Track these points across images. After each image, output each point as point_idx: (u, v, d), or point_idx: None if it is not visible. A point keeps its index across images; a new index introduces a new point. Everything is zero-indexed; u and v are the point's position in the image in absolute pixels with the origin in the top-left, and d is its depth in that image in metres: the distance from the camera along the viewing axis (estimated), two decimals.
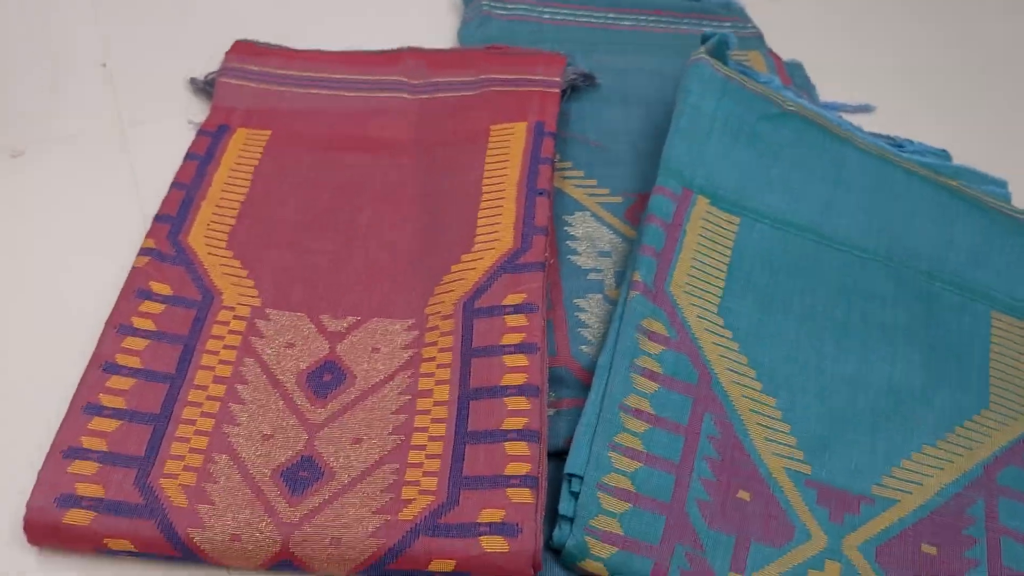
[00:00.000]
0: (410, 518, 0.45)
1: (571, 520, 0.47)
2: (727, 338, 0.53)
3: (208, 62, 0.68)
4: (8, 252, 0.57)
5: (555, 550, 0.48)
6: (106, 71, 0.69)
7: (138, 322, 0.51)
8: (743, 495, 0.49)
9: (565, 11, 0.77)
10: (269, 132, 0.62)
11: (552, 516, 0.48)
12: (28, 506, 0.44)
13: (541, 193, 0.56)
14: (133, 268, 0.53)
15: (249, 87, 0.65)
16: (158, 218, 0.56)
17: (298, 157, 0.61)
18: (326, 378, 0.51)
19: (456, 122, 0.63)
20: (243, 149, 0.61)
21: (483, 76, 0.66)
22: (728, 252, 0.56)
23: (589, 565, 0.46)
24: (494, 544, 0.45)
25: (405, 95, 0.65)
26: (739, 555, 0.47)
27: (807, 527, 0.48)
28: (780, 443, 0.50)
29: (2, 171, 0.61)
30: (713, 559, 0.47)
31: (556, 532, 0.47)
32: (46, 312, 0.54)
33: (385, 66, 0.67)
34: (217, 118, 0.63)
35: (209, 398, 0.49)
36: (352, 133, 0.63)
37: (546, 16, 0.76)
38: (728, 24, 0.77)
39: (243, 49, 0.67)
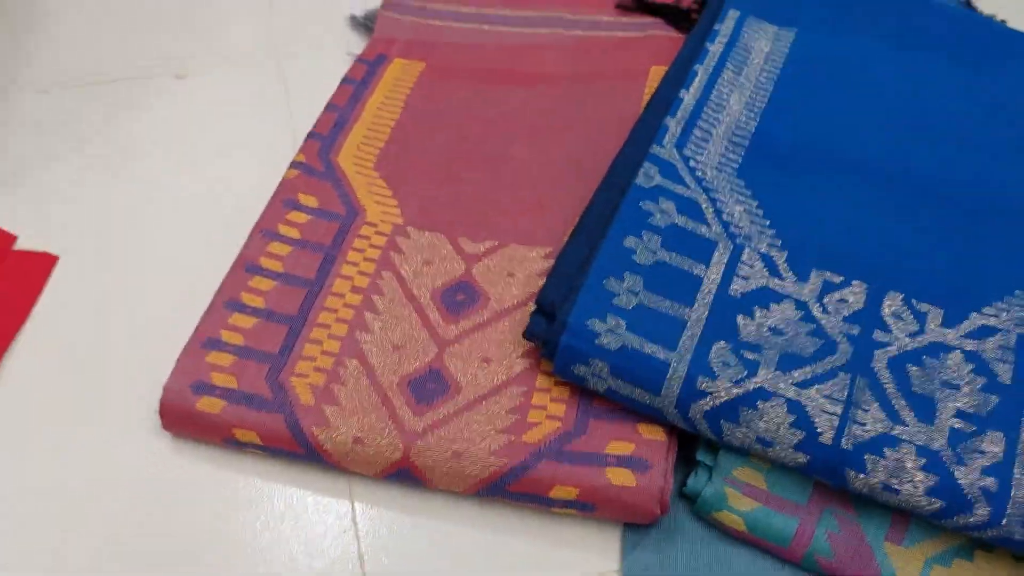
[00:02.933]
0: (535, 441, 0.43)
1: (710, 468, 0.43)
2: None
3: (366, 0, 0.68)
4: (170, 163, 0.59)
5: (687, 496, 0.44)
6: (268, 2, 0.71)
7: (283, 229, 0.52)
8: None
9: None
10: (424, 64, 0.62)
11: (686, 461, 0.45)
12: (165, 388, 0.45)
13: None
14: (283, 179, 0.54)
15: (409, 20, 0.65)
16: (311, 135, 0.57)
17: (451, 89, 0.60)
18: (460, 297, 0.49)
19: (614, 59, 0.61)
20: (398, 78, 0.61)
21: (648, 19, 0.64)
22: None
23: (725, 517, 0.43)
24: (621, 477, 0.42)
25: (562, 31, 0.64)
26: (898, 525, 0.42)
27: None
28: None
29: (167, 91, 0.64)
30: (867, 526, 0.42)
31: (691, 479, 0.44)
32: (201, 220, 0.56)
33: (548, 1, 0.66)
34: (376, 48, 0.63)
35: (345, 305, 0.49)
36: (506, 68, 0.61)
37: None
38: None
39: None
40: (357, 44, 0.66)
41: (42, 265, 0.53)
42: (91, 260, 0.53)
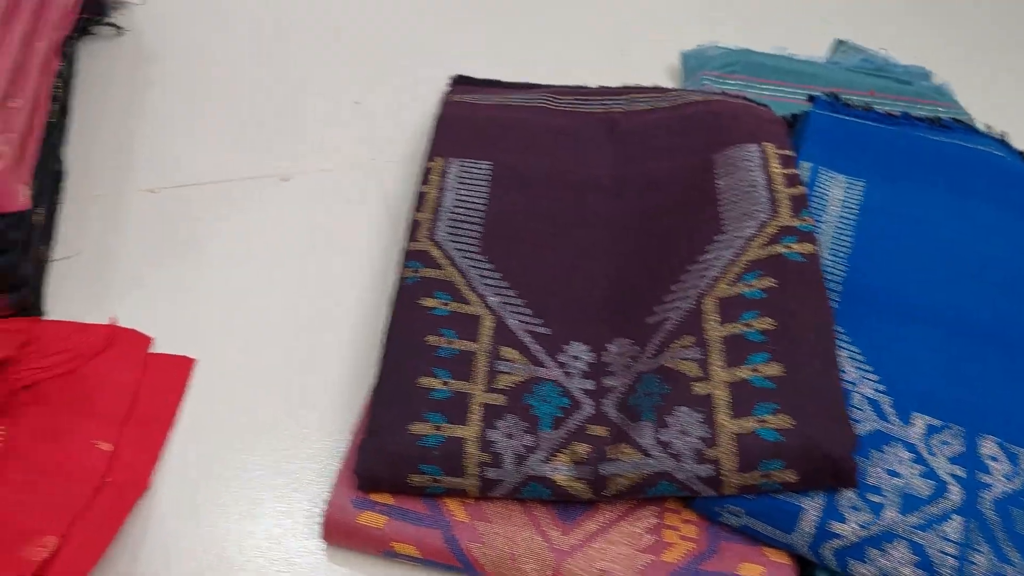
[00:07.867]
0: (674, 560, 0.48)
1: None
2: None
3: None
4: (283, 259, 0.63)
5: None
6: (359, 108, 0.75)
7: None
8: None
9: (785, 89, 0.80)
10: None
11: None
12: (329, 503, 0.48)
13: None
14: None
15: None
16: None
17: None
18: None
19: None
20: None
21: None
22: None
23: None
24: None
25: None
26: None
27: None
28: None
29: (273, 192, 0.67)
30: None
31: None
32: (323, 315, 0.60)
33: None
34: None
35: None
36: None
37: (766, 92, 0.80)
38: (942, 109, 0.79)
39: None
40: None
41: (181, 368, 0.55)
42: (225, 360, 0.56)
